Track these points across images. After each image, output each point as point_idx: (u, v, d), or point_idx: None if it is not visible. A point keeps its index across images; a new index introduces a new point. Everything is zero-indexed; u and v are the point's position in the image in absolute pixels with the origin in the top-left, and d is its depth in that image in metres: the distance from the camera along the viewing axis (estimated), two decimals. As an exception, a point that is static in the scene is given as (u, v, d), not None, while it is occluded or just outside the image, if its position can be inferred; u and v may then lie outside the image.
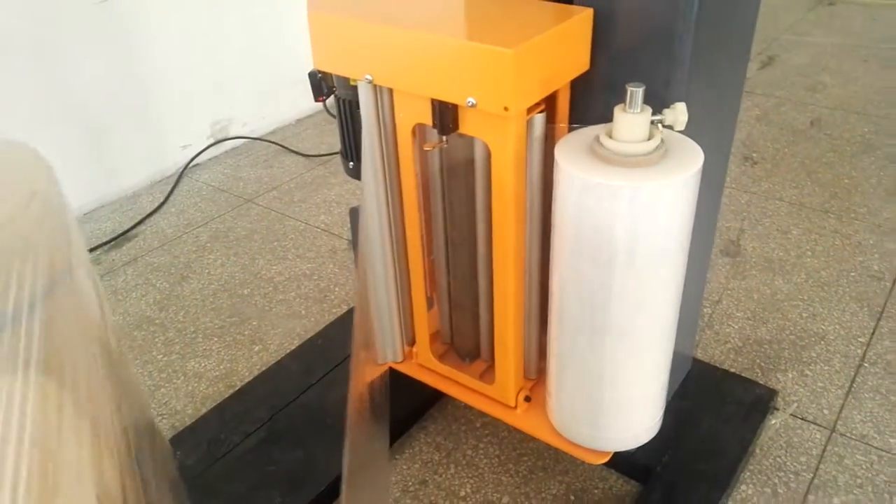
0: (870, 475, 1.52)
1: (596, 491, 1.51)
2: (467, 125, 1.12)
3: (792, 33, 3.95)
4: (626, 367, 1.16)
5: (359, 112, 1.24)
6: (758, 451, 1.58)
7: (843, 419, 1.65)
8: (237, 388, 1.73)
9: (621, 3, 1.10)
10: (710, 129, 1.27)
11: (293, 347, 1.87)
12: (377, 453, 1.33)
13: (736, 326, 1.95)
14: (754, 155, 2.80)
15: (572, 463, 1.56)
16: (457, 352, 1.47)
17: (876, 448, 1.58)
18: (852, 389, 1.73)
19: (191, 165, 2.81)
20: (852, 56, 3.65)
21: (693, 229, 1.10)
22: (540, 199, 1.17)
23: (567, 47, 1.09)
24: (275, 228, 2.44)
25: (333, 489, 1.48)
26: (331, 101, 1.44)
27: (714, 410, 1.60)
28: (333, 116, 1.53)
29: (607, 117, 1.05)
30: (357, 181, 1.36)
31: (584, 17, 1.09)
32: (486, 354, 1.42)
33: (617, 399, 1.20)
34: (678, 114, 1.01)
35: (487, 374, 1.41)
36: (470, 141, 1.18)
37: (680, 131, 1.04)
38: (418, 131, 1.23)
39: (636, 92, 0.99)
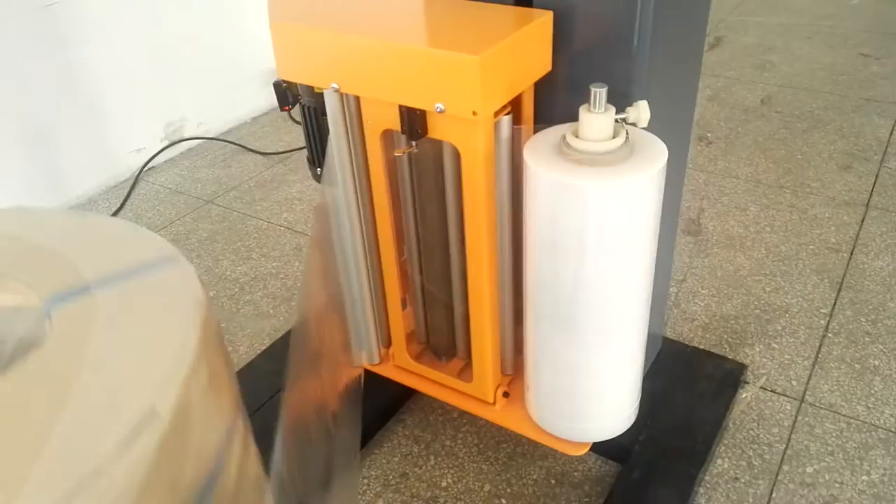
0: (840, 442, 1.56)
1: (576, 473, 1.52)
2: (436, 130, 1.13)
3: (737, 14, 4.02)
4: (601, 359, 1.18)
5: (324, 119, 1.24)
6: (731, 425, 1.61)
7: (811, 389, 1.69)
8: (209, 393, 1.70)
9: (580, 5, 1.12)
10: (671, 118, 1.29)
11: (264, 347, 1.84)
12: (346, 457, 1.33)
13: (702, 304, 1.98)
14: (709, 135, 2.84)
15: (551, 448, 1.57)
16: (433, 351, 1.47)
17: (844, 416, 1.62)
18: (818, 360, 1.77)
19: (146, 169, 2.76)
20: (797, 34, 3.73)
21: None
22: (509, 198, 1.19)
23: (530, 50, 1.11)
24: (237, 229, 2.40)
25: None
26: (295, 108, 1.44)
27: (687, 387, 1.63)
28: (298, 123, 1.52)
29: (571, 116, 1.07)
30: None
31: (544, 20, 1.11)
32: (462, 352, 1.43)
33: (594, 390, 1.22)
34: (641, 111, 1.04)
35: (465, 371, 1.42)
36: (438, 144, 1.18)
37: (643, 128, 1.07)
38: (386, 136, 1.23)
39: (600, 93, 1.01)
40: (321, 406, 1.33)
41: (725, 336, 1.86)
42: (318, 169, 1.52)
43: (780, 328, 1.88)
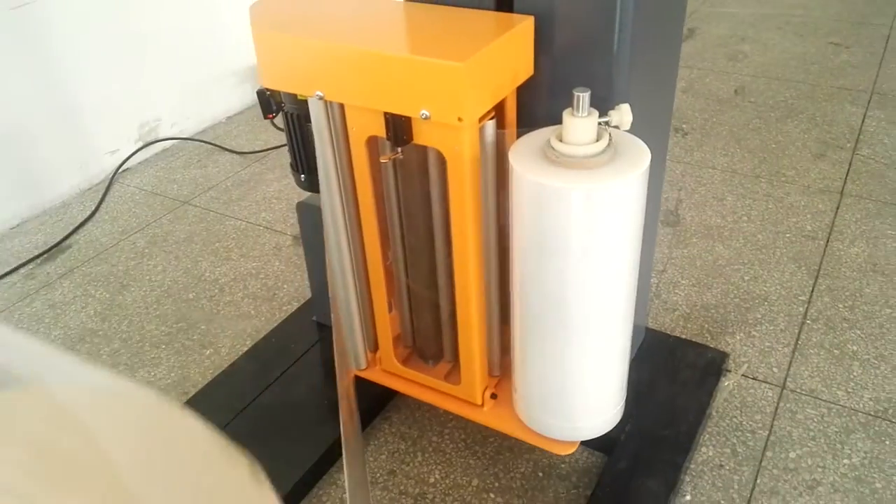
0: (821, 427, 1.58)
1: (563, 466, 1.53)
2: (421, 136, 1.13)
3: (710, 5, 4.05)
4: (588, 359, 1.19)
5: (307, 125, 1.24)
6: (714, 413, 1.62)
7: (792, 376, 1.71)
8: (192, 395, 1.69)
9: (560, 10, 1.13)
10: (651, 114, 1.31)
11: (246, 348, 1.83)
12: (359, 449, 1.35)
13: (682, 294, 1.99)
14: (684, 126, 2.86)
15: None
16: (420, 354, 1.47)
17: (825, 401, 1.64)
18: (798, 346, 1.79)
19: (120, 171, 2.72)
20: (768, 24, 3.76)
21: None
22: (494, 201, 1.20)
23: (513, 55, 1.12)
24: (215, 229, 2.38)
25: (302, 487, 1.47)
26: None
27: (670, 377, 1.64)
28: (280, 129, 1.52)
29: (553, 119, 1.09)
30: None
31: (526, 25, 1.12)
32: (449, 355, 1.43)
33: (582, 389, 1.23)
34: (623, 115, 1.06)
35: (452, 374, 1.42)
36: (423, 148, 1.19)
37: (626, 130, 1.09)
38: (371, 143, 1.23)
39: (583, 97, 1.02)
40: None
41: (706, 325, 1.88)
42: (301, 175, 1.52)
43: (759, 316, 1.90)
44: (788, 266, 2.07)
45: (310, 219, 1.61)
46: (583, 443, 1.56)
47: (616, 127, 1.07)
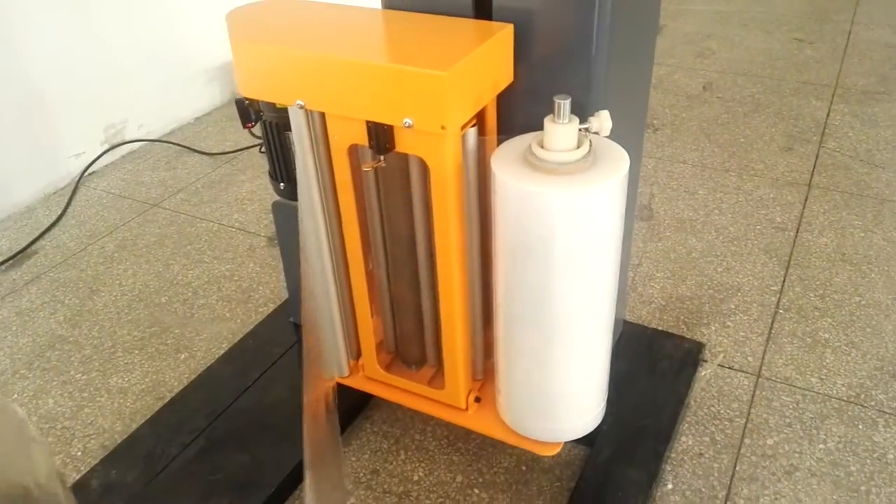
0: (797, 414, 1.60)
1: (546, 459, 1.53)
2: (403, 144, 1.13)
3: (676, 3, 4.10)
4: (570, 360, 1.20)
5: (287, 134, 1.23)
6: (692, 402, 1.64)
7: (766, 364, 1.73)
8: (168, 400, 1.66)
9: (539, 17, 1.14)
10: (628, 115, 1.33)
11: (222, 352, 1.81)
12: (332, 452, 1.33)
13: (658, 286, 2.01)
14: (655, 122, 2.89)
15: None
16: (402, 360, 1.46)
17: (800, 388, 1.67)
18: (772, 335, 1.82)
19: (87, 174, 2.67)
20: (733, 22, 3.82)
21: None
22: (476, 207, 1.20)
23: (494, 63, 1.12)
24: (186, 232, 2.35)
25: (285, 489, 1.45)
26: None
27: (648, 368, 1.65)
28: (258, 137, 1.51)
29: (532, 125, 1.10)
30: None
31: (506, 33, 1.12)
32: (432, 360, 1.43)
33: (564, 391, 1.24)
34: (603, 121, 1.07)
35: (436, 379, 1.42)
36: (404, 156, 1.18)
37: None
38: (353, 151, 1.22)
39: (563, 104, 1.03)
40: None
41: (682, 316, 1.90)
42: (281, 183, 1.51)
43: (733, 307, 1.92)
44: (760, 257, 2.10)
45: (286, 219, 1.59)
46: (564, 436, 1.57)
47: (596, 133, 1.08)
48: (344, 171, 1.24)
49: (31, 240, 2.34)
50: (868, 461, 1.49)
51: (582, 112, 1.07)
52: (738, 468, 1.49)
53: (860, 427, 1.57)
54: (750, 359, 1.75)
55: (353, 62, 1.07)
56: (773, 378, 1.70)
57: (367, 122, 1.11)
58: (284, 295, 1.95)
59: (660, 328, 1.83)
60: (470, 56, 1.04)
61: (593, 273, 1.11)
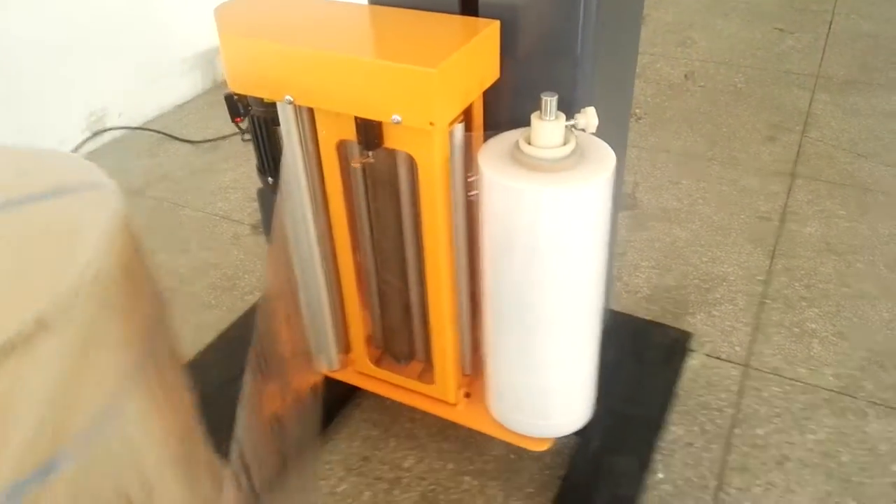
0: (786, 404, 1.62)
1: (536, 448, 1.54)
2: (392, 140, 1.13)
3: (658, -8, 4.10)
4: (558, 355, 1.21)
5: (274, 129, 1.22)
6: (681, 392, 1.65)
7: (755, 354, 1.75)
8: (155, 389, 1.64)
9: (525, 14, 1.14)
10: (614, 109, 1.34)
11: (209, 339, 1.79)
12: (309, 451, 1.32)
13: (643, 276, 2.02)
14: (637, 111, 2.90)
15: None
16: (392, 355, 1.46)
17: (788, 378, 1.69)
18: (759, 325, 1.83)
19: (67, 161, 2.63)
20: (715, 11, 3.83)
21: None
22: (463, 202, 1.20)
23: (481, 59, 1.12)
24: (170, 220, 2.32)
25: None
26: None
27: (637, 357, 1.67)
28: (244, 131, 1.49)
29: (518, 121, 1.10)
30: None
31: (492, 30, 1.12)
32: (421, 355, 1.43)
33: (553, 387, 1.25)
34: (590, 118, 1.08)
35: (425, 374, 1.42)
36: (392, 151, 1.19)
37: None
38: (341, 146, 1.22)
39: (550, 101, 1.04)
40: (282, 401, 1.31)
41: (668, 306, 1.91)
42: (269, 178, 1.50)
43: (719, 296, 1.94)
44: (745, 247, 2.11)
45: (271, 205, 1.58)
46: (555, 426, 1.58)
47: (582, 130, 1.09)
48: (332, 166, 1.24)
49: (10, 228, 2.30)
50: (859, 452, 1.52)
51: (567, 108, 1.07)
52: (729, 458, 1.51)
53: (850, 418, 1.59)
54: (737, 349, 1.77)
55: (342, 58, 1.07)
56: (762, 368, 1.71)
57: (356, 118, 1.11)
58: (271, 284, 1.93)
59: (647, 318, 1.84)
60: (458, 52, 1.05)
61: (580, 270, 1.12)
